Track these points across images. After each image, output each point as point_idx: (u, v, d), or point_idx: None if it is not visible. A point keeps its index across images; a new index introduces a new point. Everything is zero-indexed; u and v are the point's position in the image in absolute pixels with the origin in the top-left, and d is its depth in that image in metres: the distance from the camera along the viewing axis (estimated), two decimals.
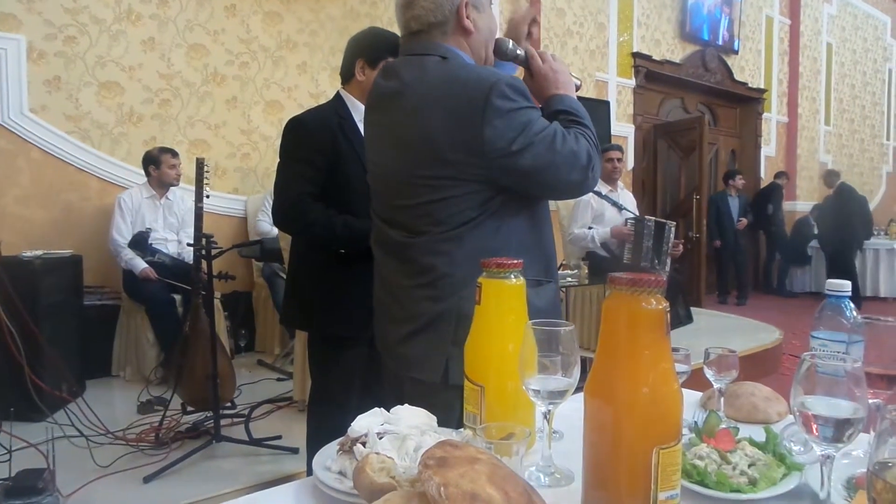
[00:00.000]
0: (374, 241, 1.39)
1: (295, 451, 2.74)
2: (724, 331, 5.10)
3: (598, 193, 4.31)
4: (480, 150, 1.14)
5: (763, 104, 9.02)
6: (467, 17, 1.25)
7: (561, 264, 4.20)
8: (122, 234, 3.90)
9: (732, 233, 7.65)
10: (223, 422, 2.88)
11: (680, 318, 4.67)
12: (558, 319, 1.35)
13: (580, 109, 1.29)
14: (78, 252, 3.73)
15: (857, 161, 11.08)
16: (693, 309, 5.07)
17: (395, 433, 0.78)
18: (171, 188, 4.11)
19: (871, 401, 0.89)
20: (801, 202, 9.26)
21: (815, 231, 8.38)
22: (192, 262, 3.28)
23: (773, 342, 4.63)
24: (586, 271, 3.81)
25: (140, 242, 3.89)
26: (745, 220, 7.63)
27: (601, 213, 4.33)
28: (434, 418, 0.86)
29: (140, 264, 3.84)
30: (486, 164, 1.16)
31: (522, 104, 1.17)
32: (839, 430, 0.67)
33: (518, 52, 1.33)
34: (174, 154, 4.06)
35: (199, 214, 2.98)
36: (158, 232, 4.04)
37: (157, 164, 4.00)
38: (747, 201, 7.89)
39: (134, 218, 3.97)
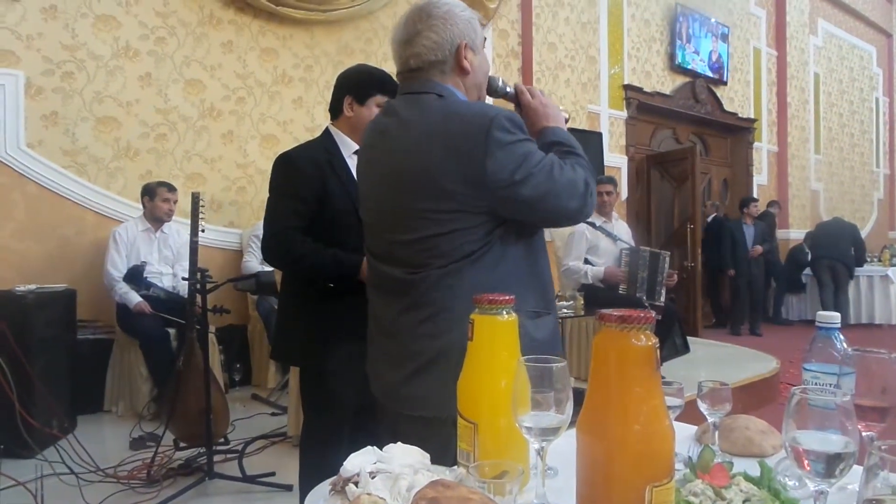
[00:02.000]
0: (368, 280, 1.38)
1: (289, 488, 2.70)
2: (721, 360, 5.09)
3: (593, 225, 4.34)
4: (482, 181, 1.16)
5: (753, 134, 9.14)
6: (465, 59, 1.28)
7: (557, 295, 4.19)
8: (118, 267, 3.90)
9: (746, 262, 7.54)
10: (216, 458, 2.84)
11: (677, 347, 4.65)
12: (559, 351, 1.36)
13: (572, 140, 1.33)
14: (72, 286, 3.72)
15: (849, 188, 11.20)
16: (690, 338, 5.06)
17: (388, 472, 0.77)
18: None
19: (864, 433, 0.89)
20: (795, 230, 9.33)
21: (809, 258, 8.42)
22: (186, 297, 3.27)
23: (770, 371, 4.61)
24: (582, 302, 3.82)
25: (135, 276, 3.89)
26: (759, 248, 7.51)
27: (596, 244, 4.35)
28: (427, 456, 0.86)
29: (134, 298, 3.83)
30: (488, 195, 1.17)
31: (521, 136, 1.20)
32: (830, 465, 0.67)
33: (508, 89, 1.38)
34: (170, 189, 4.07)
35: (194, 248, 2.98)
36: (153, 265, 4.04)
37: (151, 196, 4.01)
38: (764, 229, 7.76)
39: (129, 251, 3.97)
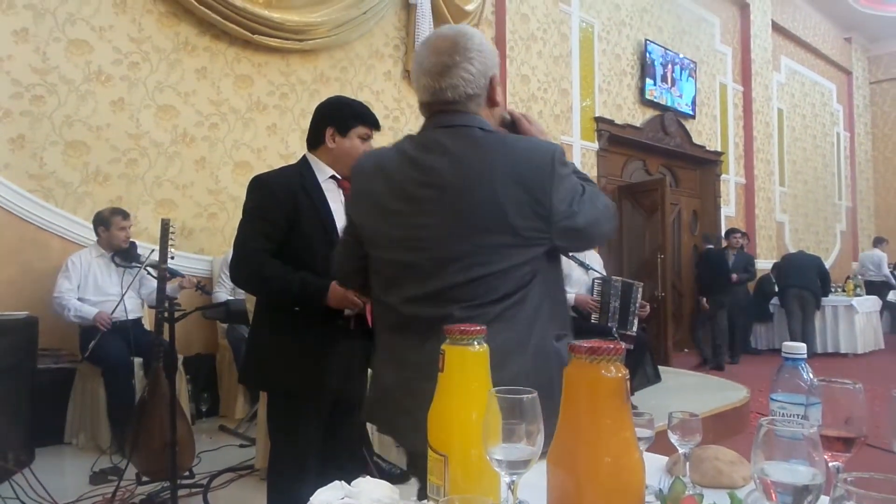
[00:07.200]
0: (387, 324, 1.30)
1: None
2: (692, 389, 5.13)
3: (565, 253, 4.37)
4: (548, 214, 1.19)
5: (721, 166, 9.37)
6: (496, 91, 1.30)
7: None
8: (63, 291, 3.70)
9: (728, 290, 7.59)
10: (181, 492, 2.75)
11: (648, 377, 4.69)
12: None
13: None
14: (35, 313, 3.60)
15: (813, 220, 11.51)
16: (661, 367, 5.10)
17: None
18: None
19: (830, 463, 0.90)
20: (762, 261, 9.52)
21: (776, 289, 8.57)
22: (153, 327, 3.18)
23: (740, 401, 4.65)
24: None
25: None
26: (735, 276, 7.53)
27: (568, 273, 4.38)
28: (396, 490, 0.84)
29: (91, 311, 3.66)
30: (549, 227, 1.20)
31: (572, 168, 1.26)
32: (798, 497, 0.67)
33: (506, 116, 1.38)
34: (125, 216, 3.88)
35: (162, 276, 2.93)
36: (113, 290, 3.81)
37: (106, 226, 3.83)
38: (747, 259, 7.83)
39: (83, 279, 3.78)
